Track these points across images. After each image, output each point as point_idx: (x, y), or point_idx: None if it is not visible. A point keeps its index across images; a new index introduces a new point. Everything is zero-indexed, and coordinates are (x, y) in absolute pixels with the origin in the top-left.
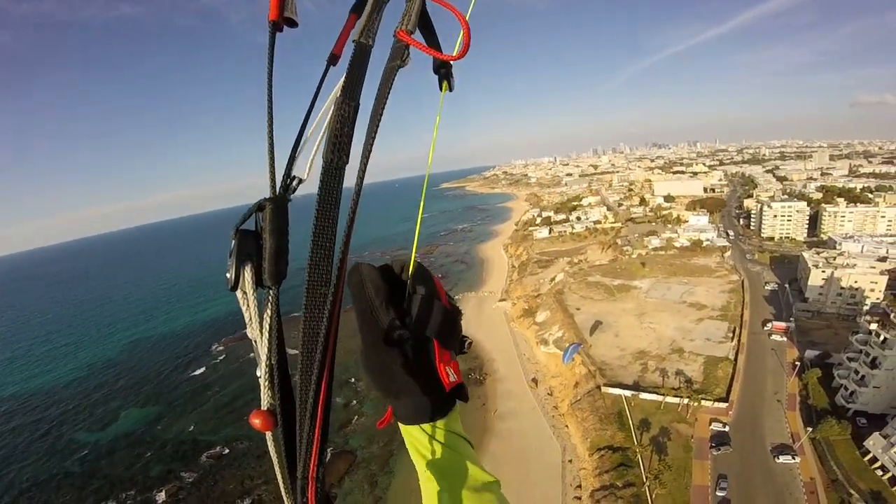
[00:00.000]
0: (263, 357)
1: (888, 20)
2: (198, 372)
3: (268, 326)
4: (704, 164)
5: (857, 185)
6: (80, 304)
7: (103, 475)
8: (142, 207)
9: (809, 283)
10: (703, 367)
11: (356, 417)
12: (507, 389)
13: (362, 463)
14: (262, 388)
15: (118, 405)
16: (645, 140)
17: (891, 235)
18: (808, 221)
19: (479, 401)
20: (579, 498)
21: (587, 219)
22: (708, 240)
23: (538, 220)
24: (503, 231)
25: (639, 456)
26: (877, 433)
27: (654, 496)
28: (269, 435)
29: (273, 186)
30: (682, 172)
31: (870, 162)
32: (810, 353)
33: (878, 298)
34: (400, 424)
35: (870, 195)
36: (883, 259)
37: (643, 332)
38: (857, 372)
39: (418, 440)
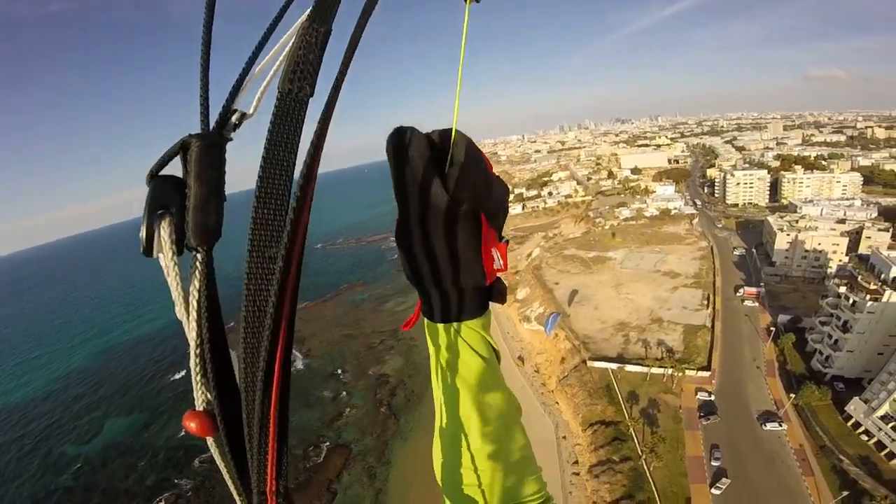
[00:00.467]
0: (192, 343)
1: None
2: (178, 376)
3: (195, 302)
4: (667, 137)
5: (811, 153)
6: (49, 312)
7: (101, 488)
8: (105, 206)
9: (776, 247)
10: (683, 335)
11: (347, 410)
12: None
13: (358, 456)
14: (194, 383)
15: (101, 415)
16: (609, 115)
17: (847, 199)
18: (769, 188)
19: None
20: (577, 473)
21: (558, 193)
22: (676, 208)
23: (511, 197)
24: None
25: (632, 429)
26: (857, 398)
27: (651, 469)
28: (210, 441)
29: (205, 120)
30: (647, 146)
31: (821, 132)
32: (783, 318)
33: (840, 260)
34: (426, 323)
35: (823, 162)
36: (842, 221)
37: (622, 304)
38: (830, 336)
39: (445, 342)
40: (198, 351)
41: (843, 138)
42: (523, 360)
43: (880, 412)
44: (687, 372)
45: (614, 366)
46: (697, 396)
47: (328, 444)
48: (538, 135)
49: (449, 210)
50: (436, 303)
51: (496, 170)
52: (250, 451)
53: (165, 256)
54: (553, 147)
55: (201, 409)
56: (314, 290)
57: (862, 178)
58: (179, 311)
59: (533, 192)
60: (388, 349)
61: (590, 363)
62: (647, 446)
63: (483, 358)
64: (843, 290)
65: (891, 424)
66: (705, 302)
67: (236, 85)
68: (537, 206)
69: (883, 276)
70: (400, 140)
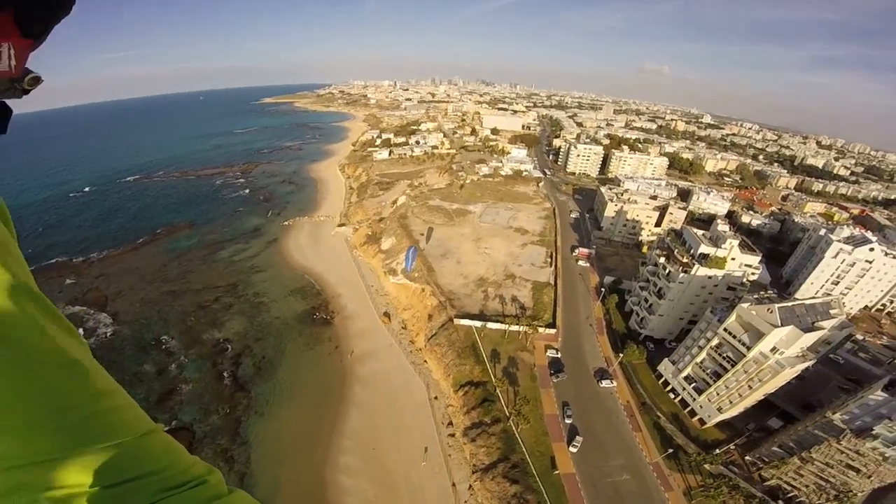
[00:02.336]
0: None
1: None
2: None
3: None
4: (523, 105)
5: (631, 136)
6: None
7: None
8: None
9: (605, 214)
10: (532, 292)
11: (181, 386)
12: (359, 328)
13: (206, 439)
14: None
15: None
16: (476, 76)
17: (656, 179)
18: (601, 162)
19: (330, 343)
20: (453, 435)
21: (425, 143)
22: (526, 171)
23: (378, 142)
24: (339, 151)
25: (497, 391)
26: (666, 359)
27: (519, 431)
28: None
29: None
30: (505, 109)
31: (639, 118)
32: (608, 279)
33: (651, 231)
34: None
35: (640, 145)
36: (654, 197)
37: (480, 258)
38: (646, 300)
39: None
40: None
41: (654, 126)
42: (389, 315)
43: (684, 374)
44: (539, 330)
45: (478, 323)
46: (547, 354)
47: (163, 428)
48: (410, 84)
49: None
50: None
51: (363, 112)
52: None
53: None
54: (424, 97)
55: None
56: (120, 235)
57: (668, 162)
58: None
59: (401, 140)
60: (225, 308)
61: (456, 321)
62: (514, 409)
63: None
64: (661, 260)
65: (693, 385)
66: (549, 259)
67: None
68: (405, 154)
69: (692, 251)
70: None
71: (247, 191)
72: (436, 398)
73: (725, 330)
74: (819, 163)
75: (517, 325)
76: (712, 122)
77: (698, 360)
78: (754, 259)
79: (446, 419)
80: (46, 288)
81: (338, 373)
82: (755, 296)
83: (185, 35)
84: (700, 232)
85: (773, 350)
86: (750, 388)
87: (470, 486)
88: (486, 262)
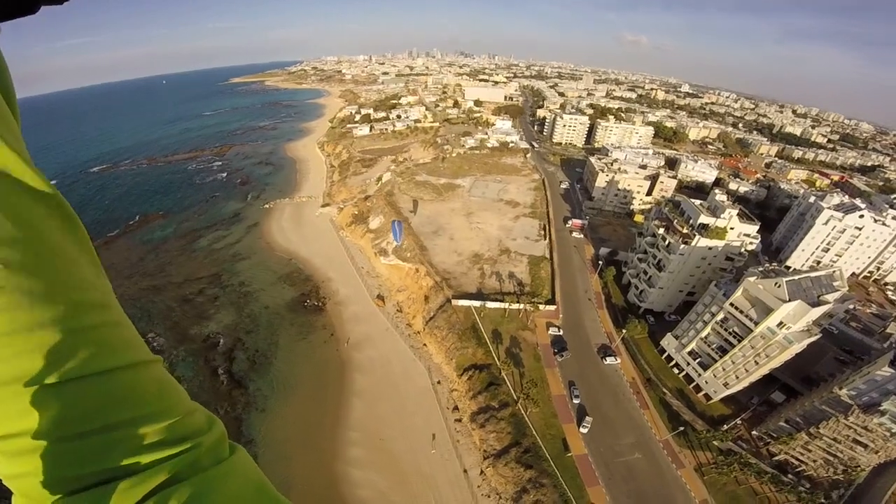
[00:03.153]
0: None
1: None
2: None
3: None
4: (503, 76)
5: (613, 105)
6: None
7: None
8: None
9: (596, 184)
10: (529, 267)
11: None
12: (353, 313)
13: None
14: None
15: None
16: (454, 48)
17: (643, 148)
18: (587, 132)
19: (325, 331)
20: (460, 420)
21: (407, 118)
22: (513, 142)
23: (357, 118)
24: (316, 129)
25: (503, 373)
26: (669, 334)
27: (528, 414)
28: None
29: None
30: (486, 80)
31: (619, 88)
32: (603, 251)
33: (642, 200)
34: None
35: (622, 115)
36: (643, 167)
37: (473, 234)
38: (645, 273)
39: None
40: None
41: (634, 96)
42: (384, 298)
43: (688, 349)
44: (539, 307)
45: (477, 303)
46: (549, 332)
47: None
48: (386, 57)
49: None
50: None
51: (339, 88)
52: None
53: None
54: (402, 71)
55: None
56: (91, 229)
57: (654, 131)
58: None
59: (381, 115)
60: (210, 301)
61: (454, 302)
62: (522, 392)
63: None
64: (660, 231)
65: (697, 360)
66: (542, 232)
67: None
68: (386, 129)
69: (691, 221)
70: None
71: (223, 175)
72: (439, 383)
73: (732, 305)
74: (797, 131)
75: (517, 303)
76: (690, 91)
77: (703, 334)
78: (753, 228)
79: (451, 404)
80: None
81: (335, 361)
82: (760, 269)
83: (142, 17)
84: (698, 202)
85: (780, 325)
86: (756, 363)
87: (482, 471)
88: (480, 238)
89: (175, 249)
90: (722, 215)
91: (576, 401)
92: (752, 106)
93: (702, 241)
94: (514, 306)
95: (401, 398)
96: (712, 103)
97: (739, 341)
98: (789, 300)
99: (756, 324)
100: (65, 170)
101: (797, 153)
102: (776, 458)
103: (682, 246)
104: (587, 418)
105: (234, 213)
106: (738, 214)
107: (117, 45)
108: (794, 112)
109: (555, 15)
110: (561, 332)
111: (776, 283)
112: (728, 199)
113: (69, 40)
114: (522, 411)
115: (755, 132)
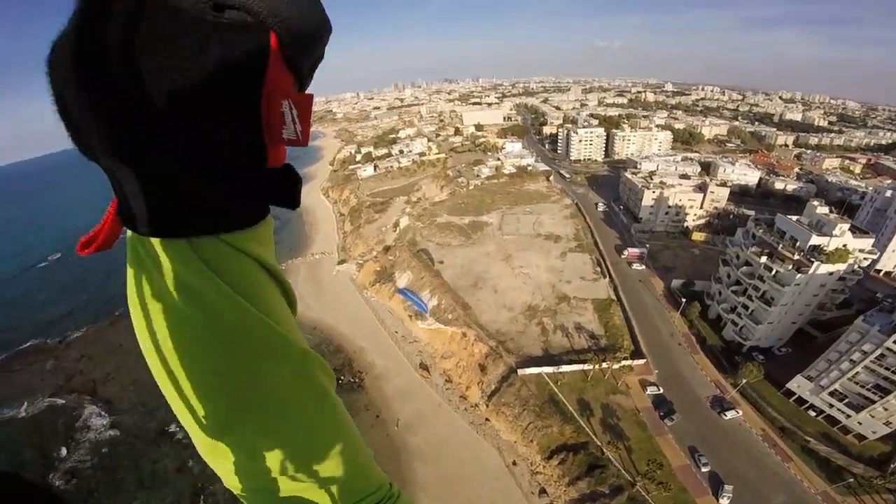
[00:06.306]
0: None
1: None
2: None
3: None
4: (493, 96)
5: (612, 113)
6: None
7: None
8: None
9: (643, 203)
10: (596, 314)
11: (208, 485)
12: (397, 388)
13: None
14: None
15: None
16: (438, 75)
17: (669, 154)
18: (604, 144)
19: (369, 413)
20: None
21: (410, 151)
22: (530, 165)
23: (358, 157)
24: (317, 173)
25: (607, 453)
26: (800, 376)
27: (653, 497)
28: None
29: None
30: (479, 103)
31: (608, 95)
32: (676, 283)
33: (695, 215)
34: (130, 239)
35: (624, 122)
36: (685, 177)
37: (519, 281)
38: (745, 307)
39: (171, 274)
40: None
41: (625, 101)
42: (428, 369)
43: (829, 389)
44: (624, 362)
45: (549, 369)
46: (647, 392)
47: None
48: (374, 92)
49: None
50: (150, 196)
51: (333, 128)
52: None
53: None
54: (392, 104)
55: None
56: (92, 307)
57: (672, 136)
58: None
59: (382, 151)
60: None
61: (521, 371)
62: (641, 476)
63: (260, 294)
64: (763, 259)
65: (845, 402)
66: (598, 269)
67: None
68: (391, 167)
69: (799, 244)
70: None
71: None
72: (514, 463)
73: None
74: (797, 117)
75: (598, 362)
76: (676, 90)
77: (850, 374)
78: (867, 242)
79: (536, 487)
80: (28, 374)
81: (389, 448)
82: None
83: None
84: (795, 218)
85: None
86: None
87: None
88: (529, 285)
89: None
90: (834, 232)
91: (704, 469)
92: (740, 97)
93: (822, 268)
94: (595, 366)
95: (472, 486)
96: (702, 99)
97: None
98: None
99: None
100: (67, 240)
101: (813, 139)
102: None
103: (798, 276)
104: (725, 486)
105: None
106: (849, 229)
107: None
108: (781, 98)
109: (529, 31)
110: (661, 391)
111: None
112: (838, 213)
113: None
114: (644, 494)
115: (757, 122)
